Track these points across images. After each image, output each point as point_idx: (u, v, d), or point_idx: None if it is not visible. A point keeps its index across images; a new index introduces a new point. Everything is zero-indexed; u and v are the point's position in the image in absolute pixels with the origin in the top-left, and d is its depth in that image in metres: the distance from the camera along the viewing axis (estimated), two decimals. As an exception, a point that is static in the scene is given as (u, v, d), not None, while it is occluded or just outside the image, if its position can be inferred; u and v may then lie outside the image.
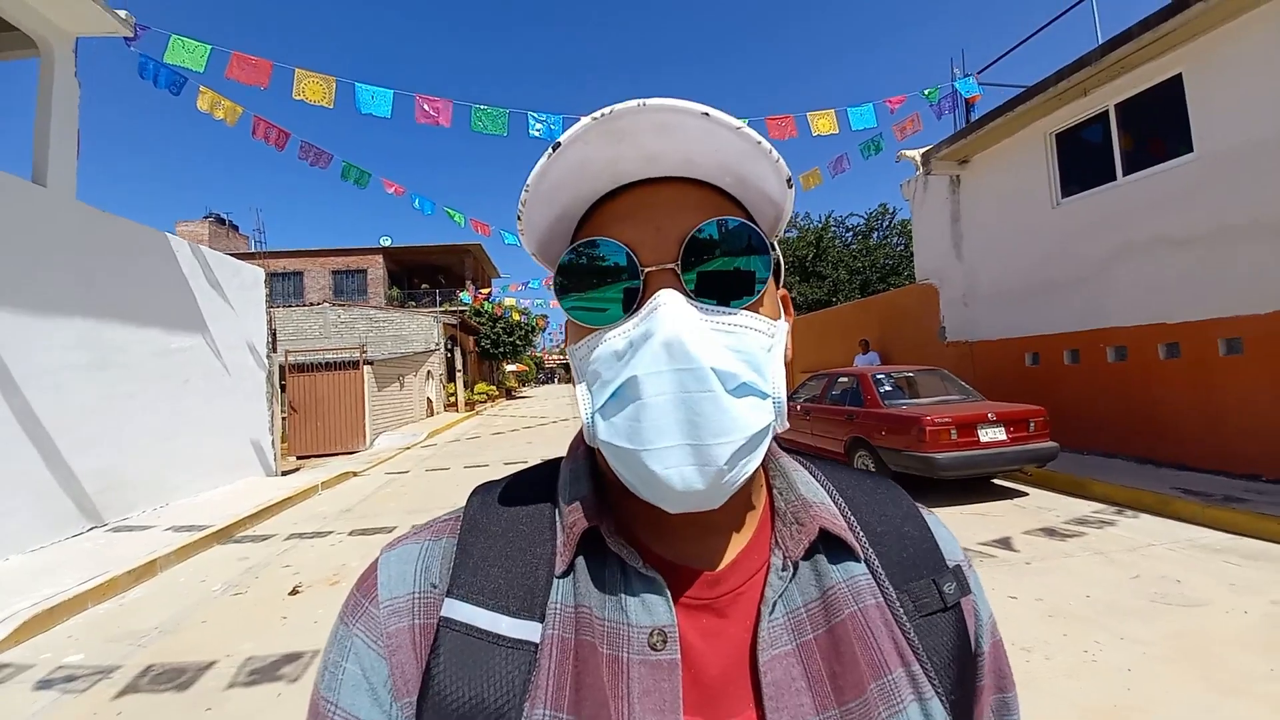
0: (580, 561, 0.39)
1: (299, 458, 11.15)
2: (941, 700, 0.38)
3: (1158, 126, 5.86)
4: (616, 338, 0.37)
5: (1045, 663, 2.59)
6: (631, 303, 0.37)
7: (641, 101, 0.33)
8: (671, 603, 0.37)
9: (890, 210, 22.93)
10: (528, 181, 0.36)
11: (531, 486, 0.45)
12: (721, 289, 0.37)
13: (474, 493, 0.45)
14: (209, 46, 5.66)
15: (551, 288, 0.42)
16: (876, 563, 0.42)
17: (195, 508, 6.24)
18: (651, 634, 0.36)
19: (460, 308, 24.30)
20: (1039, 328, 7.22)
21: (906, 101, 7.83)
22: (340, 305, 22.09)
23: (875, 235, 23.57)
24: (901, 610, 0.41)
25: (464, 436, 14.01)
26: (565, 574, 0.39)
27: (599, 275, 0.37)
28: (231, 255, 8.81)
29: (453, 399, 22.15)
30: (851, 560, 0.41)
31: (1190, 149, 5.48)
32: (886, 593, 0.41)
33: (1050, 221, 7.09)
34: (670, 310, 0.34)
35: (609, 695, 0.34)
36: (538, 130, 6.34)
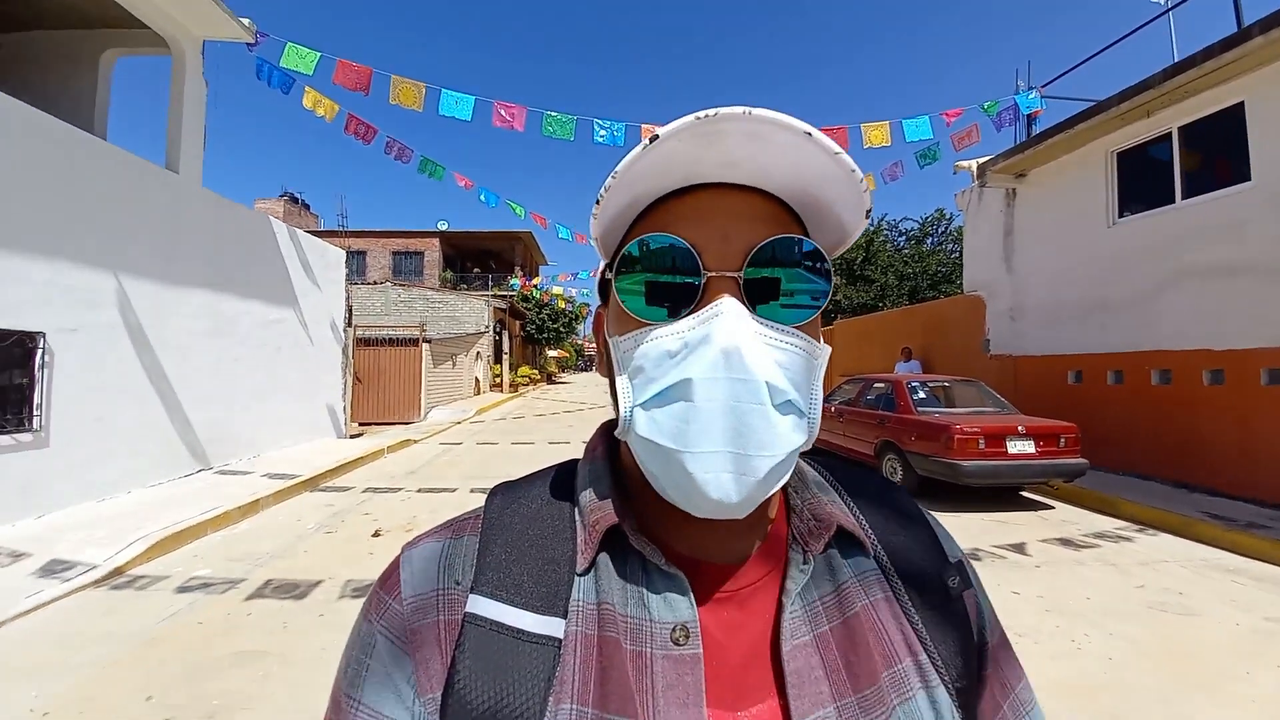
0: (602, 559, 0.39)
1: (361, 424, 12.11)
2: (948, 689, 0.40)
3: (1219, 152, 5.81)
4: (669, 337, 0.36)
5: (1033, 646, 2.90)
6: (689, 304, 0.37)
7: (747, 110, 0.33)
8: (693, 598, 0.37)
9: (947, 216, 22.40)
10: (616, 168, 0.36)
11: (550, 486, 0.45)
12: (779, 307, 0.37)
13: (493, 492, 0.46)
14: (319, 54, 6.38)
15: (601, 276, 0.43)
16: (885, 558, 0.44)
17: (283, 460, 7.09)
18: (674, 629, 0.36)
19: (509, 292, 25.27)
20: (1084, 346, 7.23)
21: (964, 114, 7.91)
22: (400, 285, 23.35)
23: (930, 241, 23.09)
24: (909, 603, 0.42)
25: (509, 416, 14.79)
26: (586, 571, 0.39)
27: (660, 271, 0.37)
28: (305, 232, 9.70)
29: (498, 380, 23.15)
30: (861, 555, 0.43)
31: (1249, 178, 5.45)
32: (895, 586, 0.42)
33: (1105, 240, 7.07)
34: (731, 319, 0.34)
35: (634, 690, 0.35)
36: (602, 136, 6.81)
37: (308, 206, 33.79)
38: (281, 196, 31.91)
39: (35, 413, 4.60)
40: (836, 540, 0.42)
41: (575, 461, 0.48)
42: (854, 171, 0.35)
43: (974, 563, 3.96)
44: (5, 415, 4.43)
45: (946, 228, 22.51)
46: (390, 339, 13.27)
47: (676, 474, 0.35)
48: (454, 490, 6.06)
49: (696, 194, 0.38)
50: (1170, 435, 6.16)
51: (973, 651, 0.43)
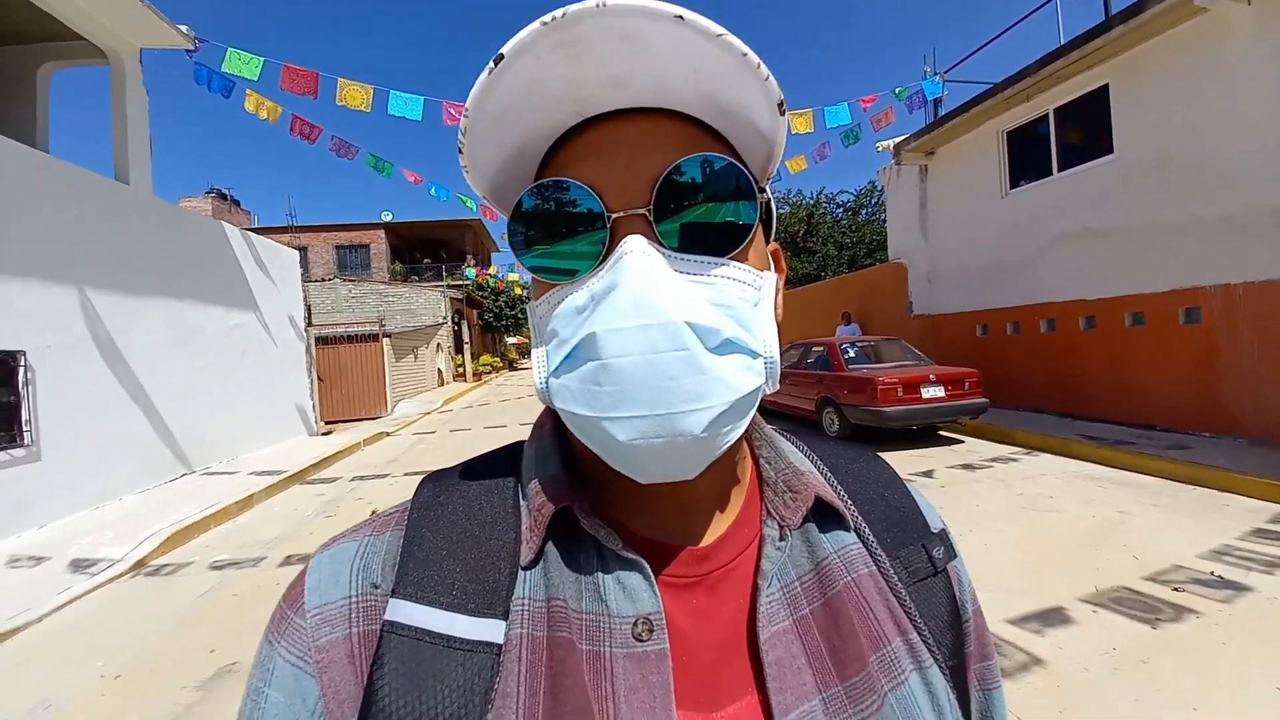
0: (550, 549, 0.35)
1: (328, 423, 12.20)
2: (941, 668, 0.37)
3: (1088, 129, 6.80)
4: (578, 292, 0.32)
5: (929, 543, 3.70)
6: (597, 253, 0.32)
7: (601, 2, 0.27)
8: (655, 586, 0.33)
9: (879, 188, 23.66)
10: (467, 106, 0.30)
11: (491, 470, 0.40)
12: (701, 238, 0.32)
13: (423, 481, 0.40)
14: (262, 59, 6.48)
15: (506, 238, 0.36)
16: (867, 530, 0.40)
17: (262, 459, 7.33)
18: (636, 623, 0.32)
19: (464, 281, 25.14)
20: (988, 303, 8.27)
21: (879, 99, 8.72)
22: (350, 280, 22.88)
23: (864, 212, 24.43)
24: (896, 577, 0.39)
25: (476, 404, 15.10)
26: (533, 564, 0.34)
27: (560, 223, 0.33)
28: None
29: (460, 370, 23.20)
30: (840, 529, 0.39)
31: (1113, 151, 6.44)
32: (879, 560, 0.39)
33: (1000, 209, 8.07)
34: (636, 259, 0.30)
35: (591, 698, 0.31)
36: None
37: (238, 203, 32.16)
38: (209, 194, 30.23)
39: (25, 428, 4.77)
40: (814, 514, 0.39)
41: (520, 444, 0.43)
42: (746, 55, 0.30)
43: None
44: (-6, 433, 4.59)
45: (879, 199, 23.80)
46: (349, 335, 13.28)
47: (605, 442, 0.31)
48: (437, 472, 6.52)
49: (593, 127, 0.33)
50: (1057, 374, 7.25)
51: (959, 626, 0.40)
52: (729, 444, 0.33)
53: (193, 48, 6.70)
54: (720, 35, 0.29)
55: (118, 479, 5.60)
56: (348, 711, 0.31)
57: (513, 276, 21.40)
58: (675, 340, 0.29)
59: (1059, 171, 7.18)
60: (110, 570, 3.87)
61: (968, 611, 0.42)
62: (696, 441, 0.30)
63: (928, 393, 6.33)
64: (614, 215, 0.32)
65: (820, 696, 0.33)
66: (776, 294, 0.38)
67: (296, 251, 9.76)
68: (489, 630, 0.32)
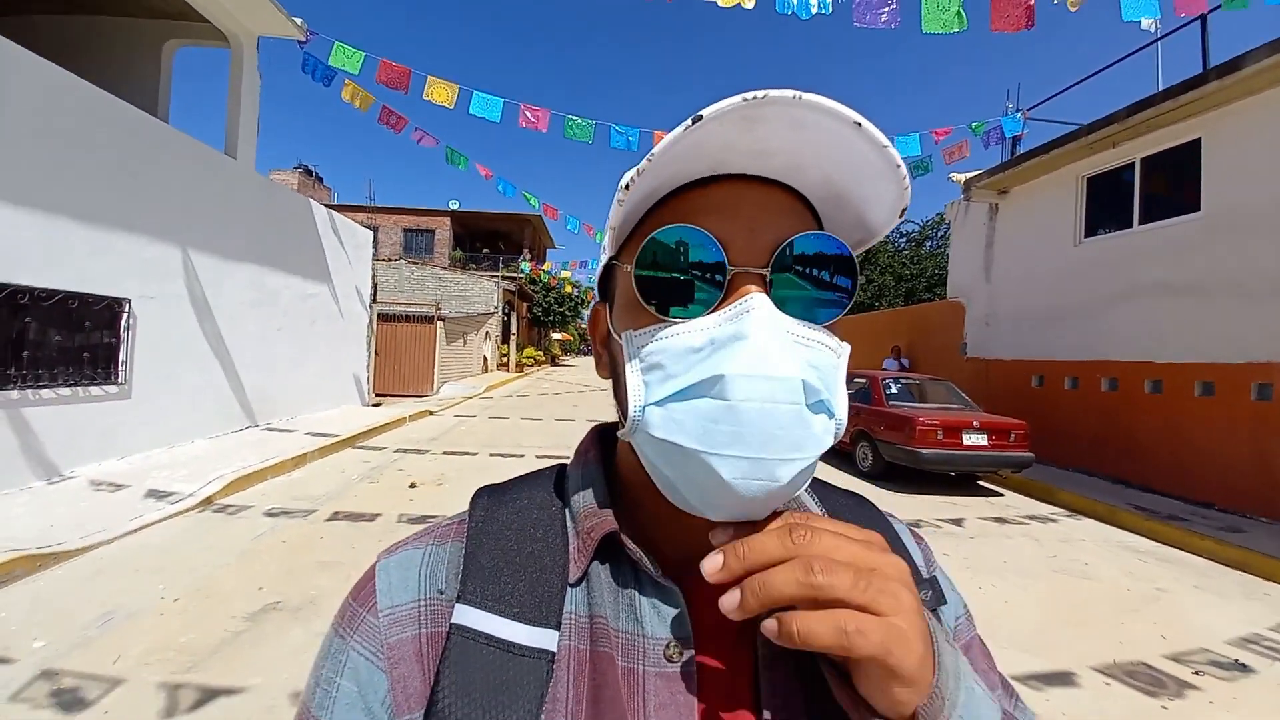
0: (594, 569, 0.38)
1: (378, 395, 12.88)
2: None
3: (1175, 183, 6.46)
4: (693, 333, 0.34)
5: (946, 590, 3.64)
6: (713, 300, 0.35)
7: (798, 94, 0.31)
8: (687, 614, 0.37)
9: (946, 222, 22.88)
10: (654, 151, 0.33)
11: (539, 491, 0.43)
12: (805, 305, 0.36)
13: (477, 496, 0.44)
14: (363, 53, 7.01)
15: (604, 267, 0.41)
16: None
17: (318, 421, 7.86)
18: (668, 645, 0.36)
19: (518, 274, 25.92)
20: (1047, 353, 7.94)
21: (953, 133, 8.55)
22: (414, 262, 23.98)
23: (929, 244, 23.65)
24: None
25: (516, 394, 15.55)
26: (579, 582, 0.38)
27: (683, 264, 0.35)
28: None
29: (505, 359, 23.91)
30: None
31: (1199, 207, 6.11)
32: None
33: (1071, 257, 7.74)
34: (764, 315, 0.33)
35: (626, 709, 0.34)
36: (618, 140, 7.46)
37: (321, 179, 34.26)
38: (296, 168, 32.36)
39: (121, 368, 5.34)
40: None
41: (564, 465, 0.47)
42: (899, 167, 0.34)
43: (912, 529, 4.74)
44: (97, 369, 5.16)
45: (945, 232, 23.01)
46: (407, 315, 13.97)
47: (698, 476, 0.33)
48: (475, 454, 6.84)
49: (722, 185, 0.36)
50: (1114, 437, 6.89)
51: None
52: (797, 491, 0.35)
53: (304, 39, 7.31)
54: (885, 147, 0.33)
55: (193, 423, 6.16)
56: (414, 705, 0.34)
57: (564, 274, 21.87)
58: (793, 395, 0.32)
59: (1140, 224, 6.85)
60: (180, 504, 4.30)
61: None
62: (784, 486, 0.33)
63: (969, 439, 6.16)
64: (735, 270, 0.35)
65: (805, 717, 0.36)
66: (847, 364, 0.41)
67: (370, 232, 10.40)
68: (545, 639, 0.35)
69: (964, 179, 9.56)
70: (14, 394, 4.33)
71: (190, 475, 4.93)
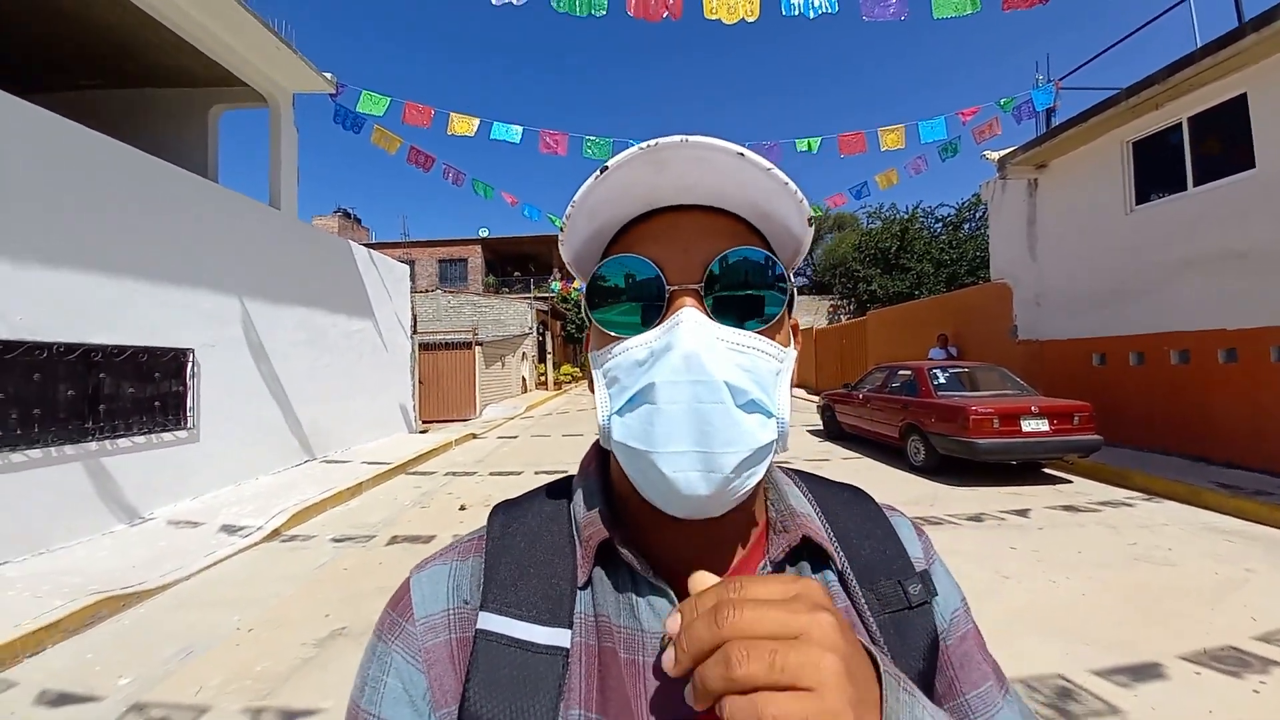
0: (597, 572, 0.43)
1: (425, 422, 13.26)
2: None
3: (1226, 141, 6.06)
4: (638, 347, 0.40)
5: (1015, 585, 3.44)
6: (655, 317, 0.40)
7: (684, 138, 0.37)
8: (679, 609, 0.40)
9: (983, 202, 22.08)
10: (574, 198, 0.39)
11: (547, 504, 0.48)
12: (739, 312, 0.40)
13: (494, 513, 0.49)
14: (389, 98, 7.35)
15: (583, 298, 0.45)
16: (846, 566, 0.46)
17: (370, 451, 8.15)
18: (664, 638, 0.37)
19: (549, 294, 26.36)
20: (1107, 330, 7.51)
21: (982, 110, 8.25)
22: (449, 292, 24.74)
23: (967, 227, 22.84)
24: (866, 609, 0.44)
25: (555, 411, 15.74)
26: (586, 585, 0.42)
27: (628, 289, 0.41)
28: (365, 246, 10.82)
29: (543, 378, 24.27)
30: (829, 568, 0.46)
31: (1253, 165, 5.71)
32: (854, 595, 0.45)
33: (1123, 227, 7.34)
34: (690, 326, 0.38)
35: (629, 694, 0.38)
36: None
37: (359, 221, 35.89)
38: (336, 213, 34.01)
39: (189, 414, 5.68)
40: (809, 554, 0.45)
41: (571, 478, 0.51)
42: (787, 184, 0.39)
43: (976, 525, 4.52)
44: (169, 416, 5.51)
45: (984, 213, 22.19)
46: (446, 343, 14.38)
47: (650, 474, 0.38)
48: (520, 474, 6.94)
49: (661, 216, 0.42)
50: (1189, 412, 6.44)
51: (932, 658, 0.45)
52: (748, 488, 0.39)
53: (335, 91, 7.72)
54: (769, 169, 0.38)
55: (257, 460, 6.49)
56: (449, 700, 0.39)
57: (597, 290, 22.06)
58: (715, 394, 0.37)
59: (1194, 186, 6.44)
60: (250, 538, 4.52)
61: (948, 640, 0.47)
62: (726, 479, 0.37)
63: (1029, 426, 5.87)
64: (671, 288, 0.40)
65: None
66: (794, 365, 0.45)
67: (407, 266, 10.80)
68: (559, 638, 0.40)
69: (998, 157, 9.22)
70: (93, 445, 4.66)
71: (257, 510, 5.19)
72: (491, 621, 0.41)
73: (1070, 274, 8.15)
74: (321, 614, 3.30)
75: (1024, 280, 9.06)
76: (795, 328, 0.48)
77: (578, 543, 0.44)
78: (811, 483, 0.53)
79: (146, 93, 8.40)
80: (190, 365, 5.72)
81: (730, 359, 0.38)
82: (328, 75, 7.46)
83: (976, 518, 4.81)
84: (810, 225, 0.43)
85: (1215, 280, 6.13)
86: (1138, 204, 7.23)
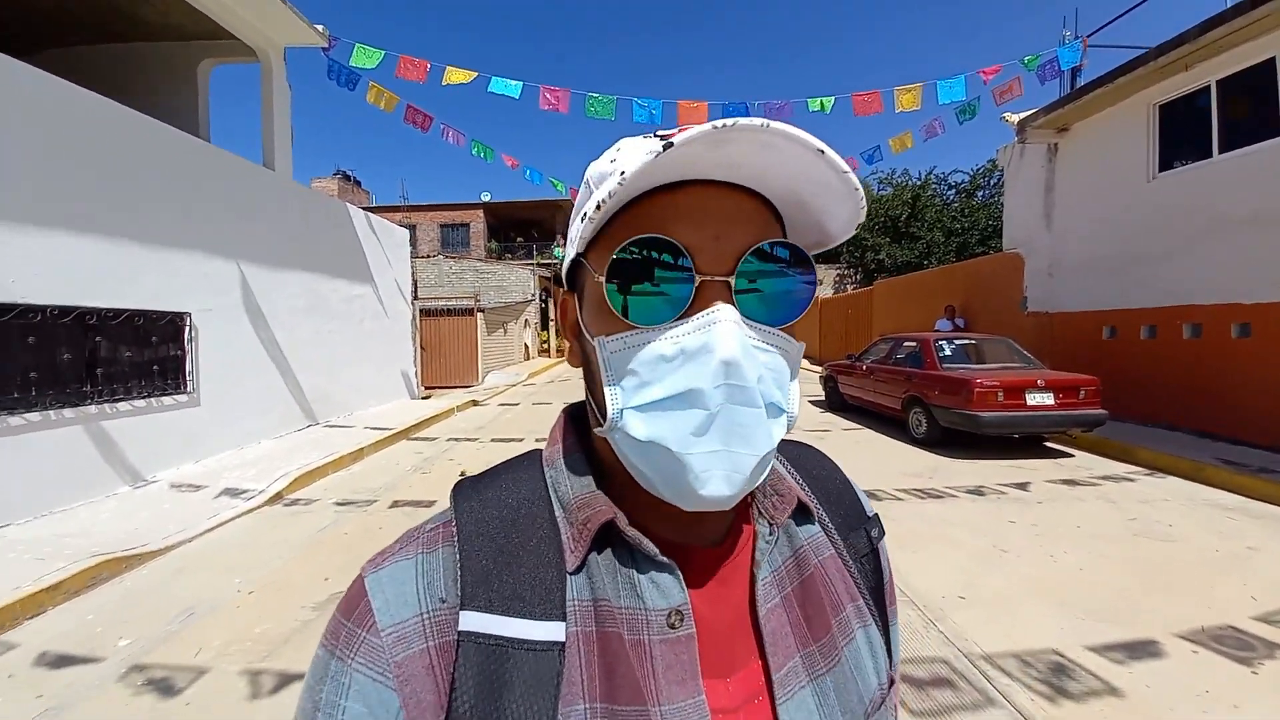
0: (592, 555, 0.40)
1: (427, 388, 13.30)
2: (876, 623, 0.47)
3: (1258, 106, 5.77)
4: (663, 341, 0.36)
5: (1015, 559, 3.44)
6: (680, 308, 0.37)
7: (766, 123, 0.33)
8: (684, 584, 0.39)
9: (999, 168, 21.45)
10: (625, 175, 0.34)
11: (522, 483, 0.44)
12: (767, 309, 0.38)
13: (459, 495, 0.43)
14: (383, 51, 7.08)
15: (572, 261, 0.42)
16: (827, 520, 0.50)
17: (372, 417, 8.18)
18: (669, 615, 0.38)
19: (553, 260, 26.09)
20: (1120, 302, 7.35)
21: (1004, 70, 7.88)
22: (451, 257, 24.49)
23: (981, 194, 22.26)
24: (848, 555, 0.49)
25: (557, 379, 15.76)
26: (579, 570, 0.39)
27: (651, 273, 0.37)
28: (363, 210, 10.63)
29: (545, 345, 24.24)
30: (809, 522, 0.48)
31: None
32: (836, 544, 0.49)
33: (1144, 195, 7.09)
34: (728, 328, 0.35)
35: (638, 676, 0.37)
36: (641, 114, 7.28)
37: (359, 183, 35.33)
38: (335, 175, 33.47)
39: (188, 378, 5.67)
40: (793, 511, 0.46)
41: (537, 452, 0.47)
42: (857, 190, 0.37)
43: (976, 498, 4.50)
44: (167, 380, 5.50)
45: (999, 179, 21.58)
46: (448, 309, 14.29)
47: (672, 472, 0.36)
48: (521, 440, 6.97)
49: (689, 190, 0.37)
50: (1199, 387, 6.34)
51: (881, 591, 0.50)
52: (759, 482, 0.40)
53: (327, 45, 7.43)
54: (845, 173, 0.36)
55: (259, 425, 6.52)
56: (429, 718, 0.34)
57: (601, 257, 21.82)
58: (752, 400, 0.36)
59: (1220, 153, 6.17)
60: (252, 501, 4.56)
61: (886, 576, 0.51)
62: (746, 480, 0.37)
63: (1033, 399, 5.80)
64: (702, 278, 0.37)
65: (800, 654, 0.41)
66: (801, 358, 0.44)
67: (407, 230, 10.63)
68: (553, 631, 0.37)
69: (1017, 119, 8.86)
70: (92, 409, 4.66)
71: (259, 474, 5.22)
72: (476, 621, 0.36)
73: (1086, 243, 7.93)
74: (321, 577, 3.33)
75: (1037, 250, 8.84)
76: None
77: (564, 524, 0.41)
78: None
79: (135, 48, 8.12)
80: (188, 329, 5.67)
81: (759, 360, 0.37)
82: (319, 28, 7.16)
83: (977, 490, 4.79)
84: (854, 232, 0.41)
85: (1236, 251, 5.94)
86: (1160, 170, 6.97)
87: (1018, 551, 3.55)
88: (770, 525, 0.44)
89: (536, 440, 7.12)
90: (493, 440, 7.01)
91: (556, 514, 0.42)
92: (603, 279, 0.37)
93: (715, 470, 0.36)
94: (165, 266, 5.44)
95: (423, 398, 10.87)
